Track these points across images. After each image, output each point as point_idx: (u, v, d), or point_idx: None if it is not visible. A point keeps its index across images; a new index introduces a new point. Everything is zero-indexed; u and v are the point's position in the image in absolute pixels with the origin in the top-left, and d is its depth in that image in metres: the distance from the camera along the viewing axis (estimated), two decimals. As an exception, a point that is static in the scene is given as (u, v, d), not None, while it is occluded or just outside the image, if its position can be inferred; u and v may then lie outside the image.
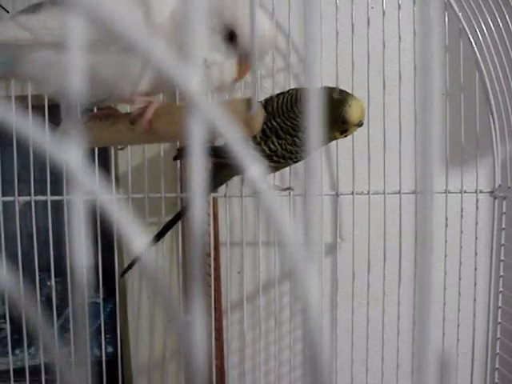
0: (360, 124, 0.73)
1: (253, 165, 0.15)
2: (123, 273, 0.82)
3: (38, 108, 0.82)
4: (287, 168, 0.84)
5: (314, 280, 0.16)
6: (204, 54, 0.48)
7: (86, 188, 0.15)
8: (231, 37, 0.50)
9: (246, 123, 0.44)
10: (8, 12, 0.87)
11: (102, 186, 0.15)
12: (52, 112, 0.81)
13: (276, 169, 0.79)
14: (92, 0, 0.13)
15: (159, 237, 0.82)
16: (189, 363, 0.17)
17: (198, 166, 0.16)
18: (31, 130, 0.16)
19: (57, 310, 0.87)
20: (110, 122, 0.55)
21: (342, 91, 0.73)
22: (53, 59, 0.48)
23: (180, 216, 0.83)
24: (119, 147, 0.79)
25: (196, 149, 0.15)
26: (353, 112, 0.71)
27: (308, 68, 0.16)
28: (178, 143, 0.82)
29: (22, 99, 0.85)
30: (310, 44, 0.15)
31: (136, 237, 0.16)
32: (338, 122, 0.71)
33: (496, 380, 0.87)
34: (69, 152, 0.15)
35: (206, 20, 0.48)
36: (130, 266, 0.80)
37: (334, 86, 0.82)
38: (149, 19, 0.46)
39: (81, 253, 0.16)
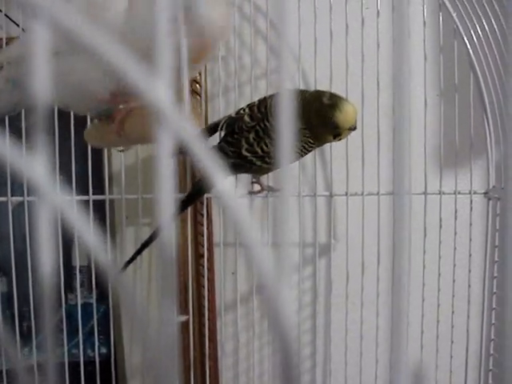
0: (352, 128, 0.72)
1: (221, 178, 0.15)
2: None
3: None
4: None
5: (286, 295, 0.15)
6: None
7: (50, 198, 0.14)
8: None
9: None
10: (1, 11, 0.86)
11: (67, 190, 0.15)
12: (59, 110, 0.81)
13: (269, 170, 0.78)
14: (52, 9, 0.13)
15: (153, 238, 0.81)
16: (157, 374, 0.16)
17: (167, 176, 0.15)
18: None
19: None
20: (106, 124, 0.55)
21: (332, 95, 0.71)
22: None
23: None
24: (119, 149, 0.79)
25: (164, 161, 0.15)
26: (344, 117, 0.70)
27: (280, 72, 0.16)
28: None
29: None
30: (282, 48, 0.15)
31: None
32: (330, 126, 0.70)
33: (490, 381, 0.87)
34: (34, 163, 0.15)
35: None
36: (124, 268, 0.80)
37: (327, 86, 0.82)
38: (102, 21, 0.45)
39: (46, 261, 0.16)
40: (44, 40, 0.15)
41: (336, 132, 0.71)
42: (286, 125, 0.16)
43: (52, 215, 0.17)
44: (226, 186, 0.15)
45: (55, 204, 0.14)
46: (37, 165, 0.15)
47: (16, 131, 0.82)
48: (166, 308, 0.17)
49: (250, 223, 0.15)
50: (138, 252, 0.80)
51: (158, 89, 0.14)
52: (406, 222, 0.18)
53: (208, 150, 0.15)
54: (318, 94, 0.72)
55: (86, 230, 0.15)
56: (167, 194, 0.15)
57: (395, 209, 0.17)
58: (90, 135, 0.67)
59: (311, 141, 0.75)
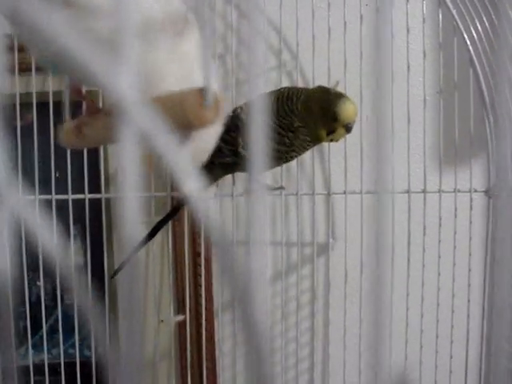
0: (349, 128, 0.72)
1: (190, 178, 0.14)
2: (114, 274, 0.81)
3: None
4: (279, 167, 0.83)
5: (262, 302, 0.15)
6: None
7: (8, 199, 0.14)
8: None
9: (197, 116, 0.42)
10: None
11: (23, 194, 0.14)
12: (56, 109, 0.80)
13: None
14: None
15: (150, 237, 0.81)
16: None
17: (131, 180, 0.15)
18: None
19: (46, 310, 0.87)
20: (96, 119, 0.53)
21: (338, 92, 0.73)
22: None
23: (171, 216, 0.81)
24: None
25: (127, 159, 0.14)
26: (346, 110, 0.71)
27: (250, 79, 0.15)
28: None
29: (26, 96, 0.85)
30: (251, 56, 0.14)
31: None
32: (328, 118, 0.70)
33: (491, 381, 0.86)
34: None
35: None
36: (121, 267, 0.79)
37: (325, 83, 0.81)
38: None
39: (4, 263, 0.15)
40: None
41: (332, 127, 0.71)
42: (259, 126, 0.15)
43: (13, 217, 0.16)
44: (194, 185, 0.14)
45: (14, 205, 0.14)
46: None
47: None
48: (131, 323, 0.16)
49: (219, 224, 0.14)
50: (154, 232, 0.80)
51: (121, 80, 0.13)
52: (388, 221, 0.17)
53: (174, 146, 0.14)
54: (325, 89, 0.73)
55: (45, 233, 0.14)
56: (132, 192, 0.15)
57: (376, 208, 0.16)
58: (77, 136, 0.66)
59: (308, 139, 0.74)
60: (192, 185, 0.14)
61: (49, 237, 0.14)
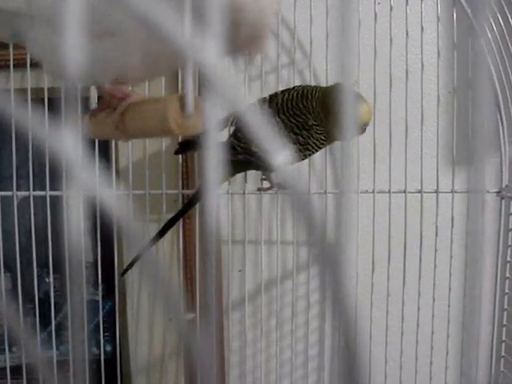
0: (363, 129, 0.71)
1: (278, 152, 0.14)
2: (124, 272, 0.81)
3: (37, 101, 0.81)
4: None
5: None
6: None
7: (83, 182, 0.13)
8: None
9: (178, 124, 0.41)
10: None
11: (101, 180, 0.14)
12: (51, 105, 0.80)
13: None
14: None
15: (161, 235, 0.80)
16: (190, 363, 0.15)
17: (214, 153, 0.14)
18: (30, 122, 0.14)
19: (55, 306, 0.86)
20: (106, 115, 0.53)
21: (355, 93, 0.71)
22: (49, 39, 0.45)
23: (182, 213, 0.81)
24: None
25: (212, 134, 0.14)
26: (360, 112, 0.70)
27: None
28: (180, 137, 0.79)
29: (21, 92, 0.84)
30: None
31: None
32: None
33: (500, 383, 0.86)
34: (67, 144, 0.14)
35: None
36: (131, 265, 0.78)
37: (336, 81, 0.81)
38: None
39: (78, 248, 0.14)
40: (79, 9, 0.14)
41: None
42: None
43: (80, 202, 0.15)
44: (282, 158, 0.13)
45: (93, 192, 0.13)
46: (71, 147, 0.13)
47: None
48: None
49: (307, 198, 0.14)
50: (168, 226, 0.79)
51: (207, 51, 0.12)
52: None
53: (263, 120, 0.13)
54: (338, 88, 0.71)
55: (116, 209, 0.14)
56: (214, 166, 0.14)
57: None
58: (88, 125, 0.65)
59: (323, 137, 0.74)
60: (280, 158, 0.14)
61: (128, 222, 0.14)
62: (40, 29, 0.46)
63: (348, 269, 0.14)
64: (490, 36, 0.80)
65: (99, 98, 0.62)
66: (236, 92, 0.13)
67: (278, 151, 0.14)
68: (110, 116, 0.51)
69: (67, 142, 0.13)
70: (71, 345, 0.17)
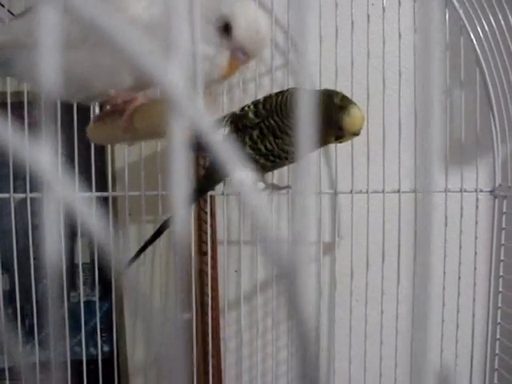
0: (356, 133, 0.71)
1: (238, 166, 0.14)
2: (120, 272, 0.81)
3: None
4: (286, 167, 0.83)
5: (310, 279, 0.15)
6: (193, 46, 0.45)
7: (56, 188, 0.14)
8: (226, 29, 0.47)
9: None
10: (3, 6, 0.86)
11: (72, 185, 0.14)
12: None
13: (272, 168, 0.77)
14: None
15: (157, 235, 0.80)
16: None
17: (181, 168, 0.15)
18: (4, 128, 0.15)
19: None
20: (111, 120, 0.54)
21: (344, 97, 0.70)
22: (30, 63, 0.47)
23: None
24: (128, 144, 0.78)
25: (177, 151, 0.14)
26: (351, 121, 0.69)
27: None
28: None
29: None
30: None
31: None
32: (335, 128, 0.69)
33: (495, 381, 0.87)
34: (41, 152, 0.14)
35: (198, 9, 0.46)
36: (129, 265, 0.79)
37: (333, 82, 0.82)
38: (122, 11, 0.44)
39: (52, 252, 0.15)
40: (53, 26, 0.14)
41: (339, 134, 0.70)
42: (306, 124, 0.15)
43: (57, 209, 0.16)
44: (244, 176, 0.14)
45: (61, 197, 0.14)
46: (43, 157, 0.14)
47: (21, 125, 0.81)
48: (177, 303, 0.16)
49: (268, 216, 0.14)
50: (142, 249, 0.79)
51: (173, 73, 0.13)
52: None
53: (224, 139, 0.14)
54: (329, 94, 0.70)
55: (93, 224, 0.14)
56: (181, 187, 0.15)
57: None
58: (93, 131, 0.66)
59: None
60: (241, 175, 0.14)
61: (95, 228, 0.15)
62: (21, 55, 0.47)
63: (306, 287, 0.15)
64: (482, 36, 0.81)
65: (101, 105, 0.62)
66: (199, 112, 0.14)
67: (239, 169, 0.14)
68: (117, 120, 0.51)
69: (41, 148, 0.14)
70: (51, 349, 0.18)
